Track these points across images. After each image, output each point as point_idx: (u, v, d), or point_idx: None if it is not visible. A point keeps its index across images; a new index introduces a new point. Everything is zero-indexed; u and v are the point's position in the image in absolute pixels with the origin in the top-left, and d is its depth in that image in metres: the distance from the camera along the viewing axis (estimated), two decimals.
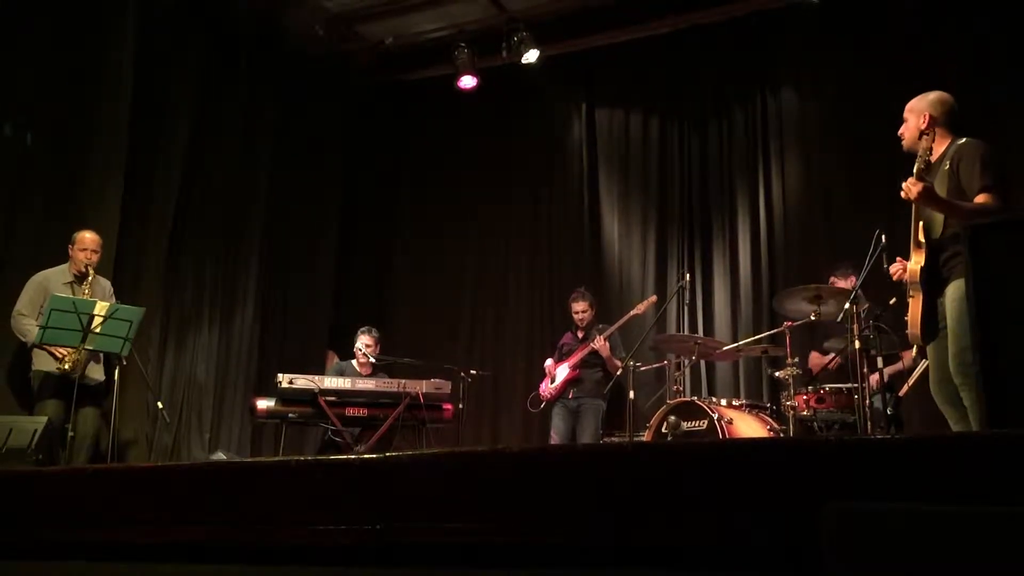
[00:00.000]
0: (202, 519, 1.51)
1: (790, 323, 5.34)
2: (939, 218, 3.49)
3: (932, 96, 3.66)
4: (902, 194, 3.39)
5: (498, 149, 8.43)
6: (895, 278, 3.69)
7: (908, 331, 3.61)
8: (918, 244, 3.49)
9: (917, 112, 3.64)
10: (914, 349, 4.04)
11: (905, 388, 4.99)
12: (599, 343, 6.25)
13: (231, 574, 1.46)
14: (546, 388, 6.49)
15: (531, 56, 7.61)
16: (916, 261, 3.48)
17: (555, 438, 6.35)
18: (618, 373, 6.05)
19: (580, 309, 6.55)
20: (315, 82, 8.10)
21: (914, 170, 3.44)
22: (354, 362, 6.61)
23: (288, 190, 7.86)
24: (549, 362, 6.62)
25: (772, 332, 5.79)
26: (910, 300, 3.54)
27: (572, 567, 1.21)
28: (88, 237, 5.43)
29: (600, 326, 6.53)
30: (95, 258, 5.42)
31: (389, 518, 1.32)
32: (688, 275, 6.69)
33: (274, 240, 7.71)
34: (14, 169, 5.80)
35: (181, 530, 1.52)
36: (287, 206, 7.86)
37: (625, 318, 6.39)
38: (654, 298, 6.58)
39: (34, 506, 1.71)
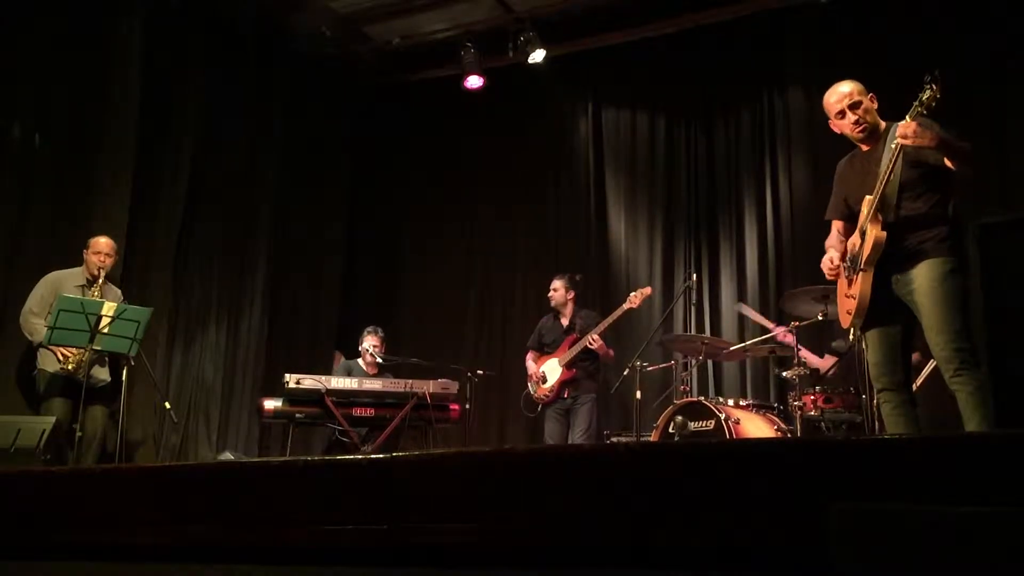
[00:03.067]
0: (209, 519, 1.51)
1: (797, 323, 5.33)
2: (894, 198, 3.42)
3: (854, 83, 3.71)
4: (898, 138, 3.28)
5: (504, 149, 8.43)
6: (833, 269, 3.61)
7: (846, 311, 3.56)
8: (876, 219, 3.40)
9: (864, 93, 3.66)
10: (915, 355, 4.00)
11: (913, 388, 4.97)
12: (596, 344, 5.91)
13: (239, 574, 1.46)
14: (537, 389, 6.18)
15: (537, 56, 7.62)
16: (876, 236, 3.38)
17: (548, 443, 6.07)
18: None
19: (557, 287, 6.23)
20: (322, 83, 8.12)
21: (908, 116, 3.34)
22: (360, 361, 6.61)
23: (295, 190, 7.89)
24: (530, 361, 6.30)
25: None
26: (856, 276, 3.45)
27: (579, 567, 1.21)
28: (103, 242, 5.45)
29: (583, 313, 6.27)
30: (109, 262, 5.43)
31: (396, 518, 1.32)
32: (695, 275, 6.66)
33: (281, 240, 7.73)
34: (23, 170, 5.82)
35: (189, 530, 1.52)
36: (294, 206, 7.88)
37: (618, 312, 6.02)
38: (648, 290, 6.16)
39: (43, 506, 1.71)
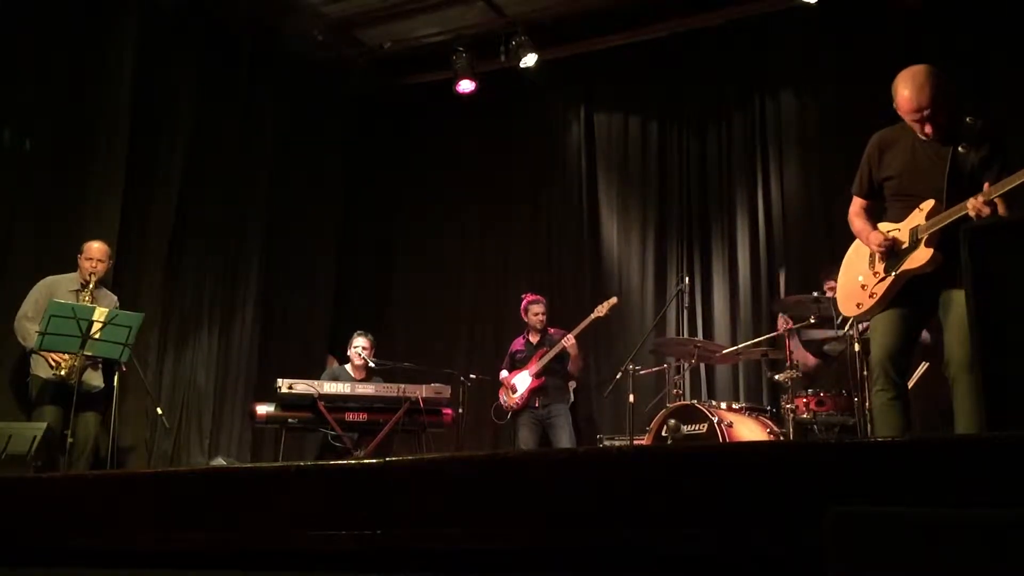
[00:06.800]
0: (202, 525, 1.50)
1: (789, 325, 5.34)
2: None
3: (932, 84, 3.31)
4: (969, 210, 3.11)
5: (497, 153, 8.43)
6: (884, 244, 3.44)
7: (856, 303, 3.46)
8: (933, 237, 3.28)
9: (944, 96, 3.30)
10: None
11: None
12: (570, 342, 6.25)
13: None
14: (508, 399, 6.45)
15: (529, 60, 7.62)
16: (934, 256, 3.26)
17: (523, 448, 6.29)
18: (578, 374, 6.14)
19: (542, 311, 6.56)
20: (315, 87, 8.11)
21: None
22: (348, 367, 6.59)
23: (288, 194, 7.88)
24: (504, 373, 6.59)
25: (772, 335, 5.79)
26: (888, 278, 3.37)
27: (572, 571, 1.21)
28: (95, 247, 5.43)
29: (552, 329, 6.54)
30: (101, 268, 5.41)
31: (388, 523, 1.32)
32: (687, 278, 6.68)
33: (274, 245, 7.72)
34: (14, 174, 5.80)
35: (181, 536, 1.51)
36: (287, 210, 7.87)
37: (587, 321, 6.35)
38: (614, 300, 6.47)
39: (34, 513, 1.70)
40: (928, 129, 3.33)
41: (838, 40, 6.93)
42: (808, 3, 6.78)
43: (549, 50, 7.73)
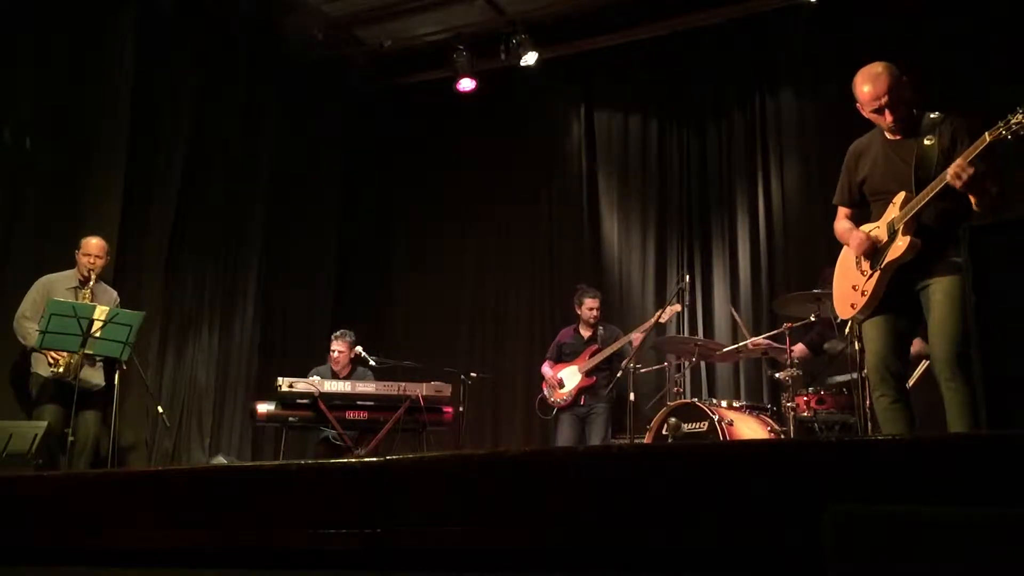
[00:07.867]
0: (202, 523, 1.50)
1: (790, 324, 5.34)
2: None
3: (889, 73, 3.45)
4: (950, 177, 3.12)
5: (497, 151, 8.43)
6: (866, 242, 3.47)
7: (850, 304, 3.49)
8: (910, 225, 3.33)
9: (900, 86, 3.42)
10: (916, 344, 3.98)
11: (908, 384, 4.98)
12: (638, 338, 5.99)
13: None
14: (554, 393, 6.33)
15: (529, 59, 7.62)
16: (912, 242, 3.30)
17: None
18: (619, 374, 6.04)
19: (596, 306, 6.41)
20: (314, 85, 8.11)
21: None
22: (329, 366, 6.55)
23: (288, 193, 7.88)
24: (547, 368, 6.49)
25: (772, 333, 5.79)
26: (875, 274, 3.40)
27: (573, 570, 1.21)
28: (93, 243, 5.42)
29: (604, 326, 6.45)
30: (99, 264, 5.40)
31: (389, 521, 1.32)
32: (688, 276, 6.66)
33: (274, 243, 7.72)
34: (13, 172, 5.80)
35: (182, 534, 1.51)
36: (287, 209, 7.87)
37: (650, 323, 6.06)
38: (678, 306, 6.28)
39: (35, 511, 1.70)
40: (889, 118, 3.41)
41: (838, 39, 6.92)
42: (809, 1, 6.77)
43: (549, 48, 7.73)
